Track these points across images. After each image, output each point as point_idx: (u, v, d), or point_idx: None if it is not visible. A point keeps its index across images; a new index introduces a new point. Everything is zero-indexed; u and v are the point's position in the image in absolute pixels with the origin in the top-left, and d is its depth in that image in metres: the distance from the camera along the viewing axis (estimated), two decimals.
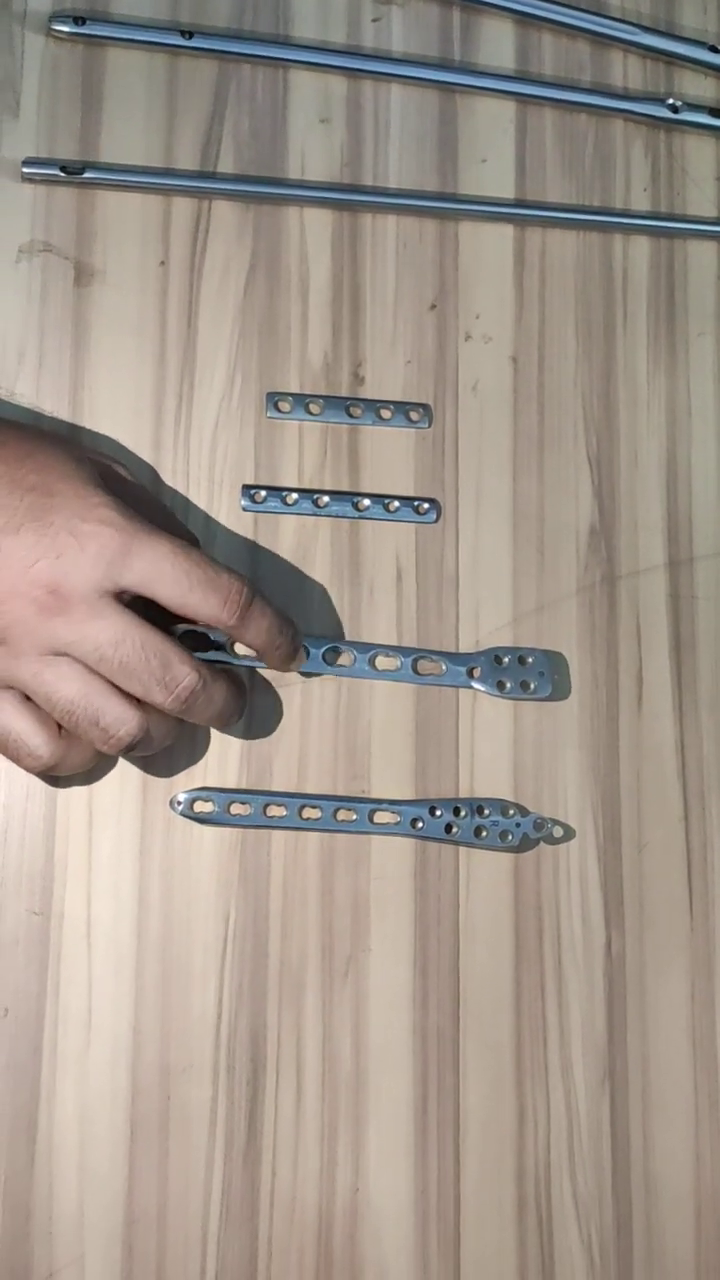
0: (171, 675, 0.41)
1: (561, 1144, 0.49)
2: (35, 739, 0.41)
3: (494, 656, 0.51)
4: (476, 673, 0.51)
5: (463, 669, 0.51)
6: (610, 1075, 0.50)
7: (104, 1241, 0.46)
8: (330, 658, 0.50)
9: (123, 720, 0.41)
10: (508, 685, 0.51)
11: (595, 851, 0.51)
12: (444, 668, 0.50)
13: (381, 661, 0.50)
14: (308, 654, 0.48)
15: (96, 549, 0.40)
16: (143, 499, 0.45)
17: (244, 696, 0.46)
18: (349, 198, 0.53)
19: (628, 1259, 0.49)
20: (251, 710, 0.49)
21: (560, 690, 0.52)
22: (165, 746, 0.44)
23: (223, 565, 0.43)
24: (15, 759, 0.42)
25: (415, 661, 0.51)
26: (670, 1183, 0.49)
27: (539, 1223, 0.49)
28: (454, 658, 0.51)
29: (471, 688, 0.51)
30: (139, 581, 0.41)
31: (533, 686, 0.51)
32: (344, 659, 0.50)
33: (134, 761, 0.48)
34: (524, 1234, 0.48)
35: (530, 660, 0.51)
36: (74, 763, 0.43)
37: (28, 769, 0.43)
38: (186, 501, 0.50)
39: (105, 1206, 0.46)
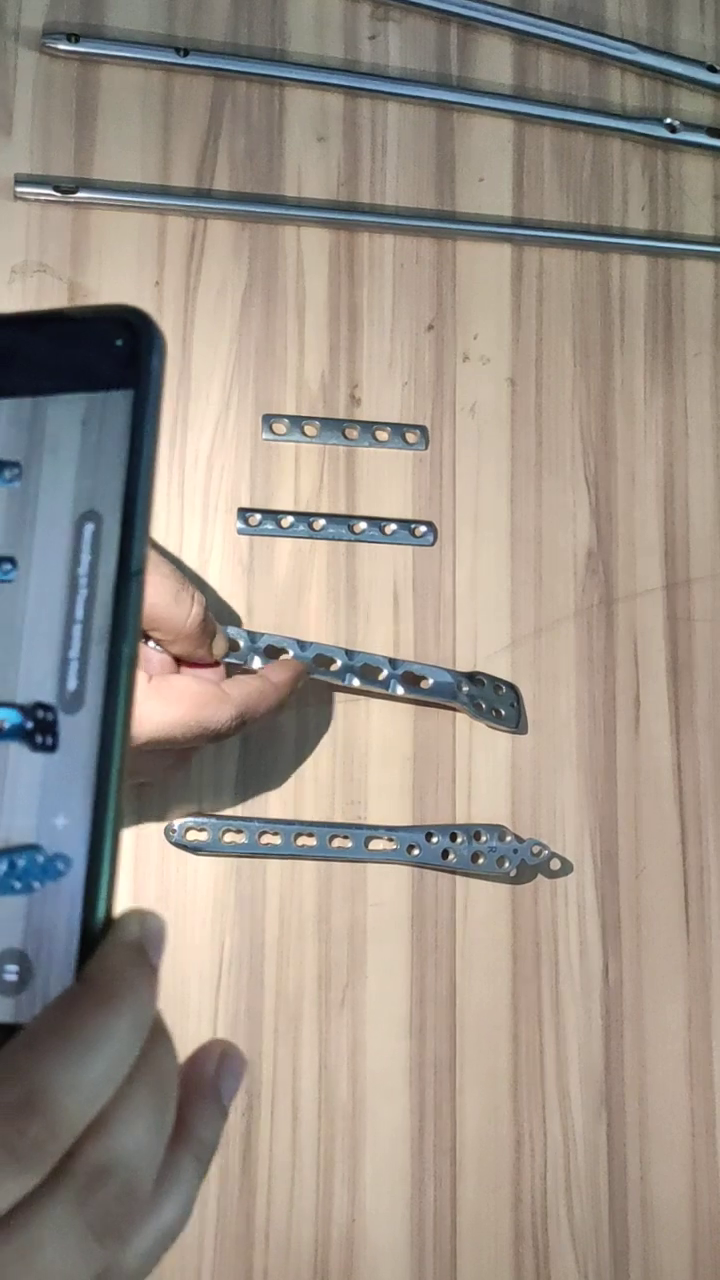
0: (211, 733, 0.42)
1: (558, 1172, 0.49)
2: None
3: (478, 680, 0.50)
4: (465, 689, 0.50)
5: (453, 683, 0.50)
6: (607, 1103, 0.49)
7: None
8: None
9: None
10: (483, 707, 0.50)
11: (593, 877, 0.51)
12: (432, 681, 0.50)
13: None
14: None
15: None
16: None
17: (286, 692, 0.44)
18: (346, 217, 0.53)
19: None
20: (246, 736, 0.49)
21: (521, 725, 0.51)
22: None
23: (216, 705, 0.42)
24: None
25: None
26: (667, 1211, 0.49)
27: (535, 1252, 0.48)
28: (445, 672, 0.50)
29: (456, 706, 0.50)
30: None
31: (502, 713, 0.50)
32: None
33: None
34: (520, 1264, 0.48)
35: (503, 690, 0.50)
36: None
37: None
38: (181, 524, 0.50)
39: None
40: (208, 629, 0.44)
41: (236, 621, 0.50)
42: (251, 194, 0.52)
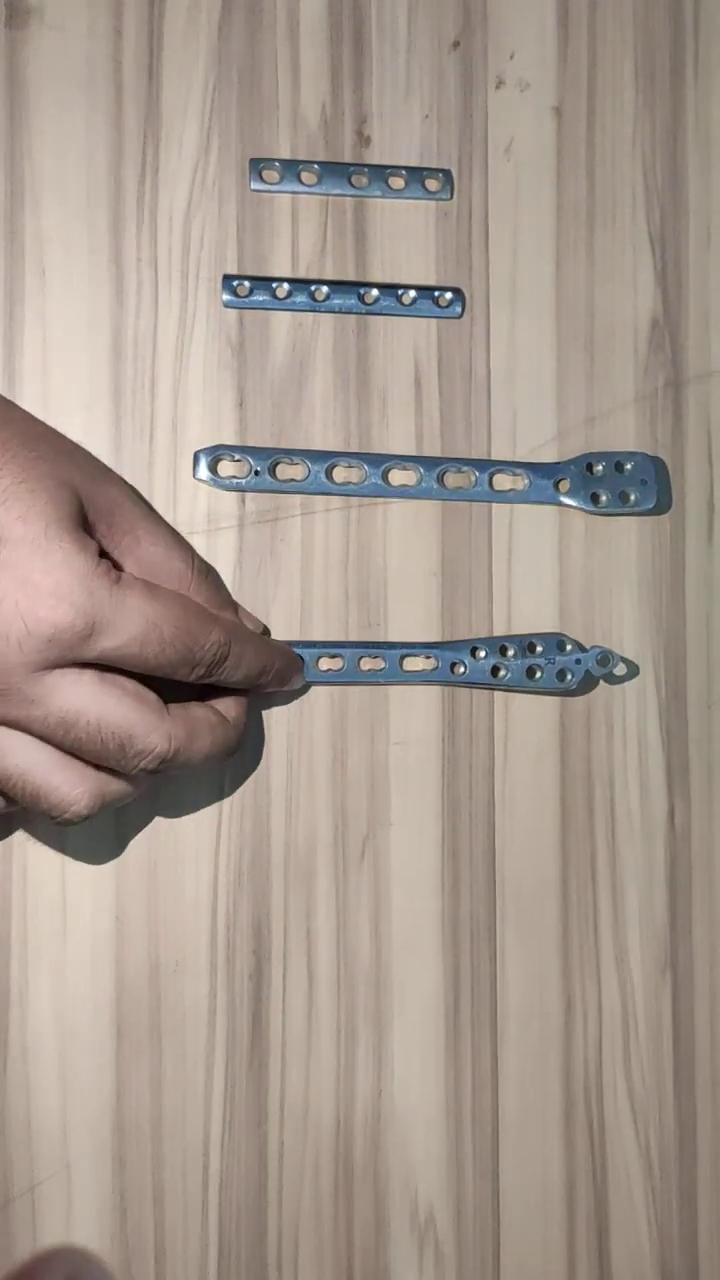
0: (135, 751, 0.35)
1: (615, 1040, 0.43)
2: (65, 790, 0.35)
3: (585, 465, 0.43)
4: (565, 485, 0.43)
5: (549, 482, 0.43)
6: (672, 965, 0.43)
7: (91, 1152, 0.41)
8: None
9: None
10: (603, 498, 0.43)
11: (656, 706, 0.44)
12: (526, 481, 0.42)
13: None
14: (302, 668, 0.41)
15: (50, 632, 0.32)
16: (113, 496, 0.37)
17: (240, 729, 0.38)
18: None
19: (691, 1166, 0.43)
20: (241, 559, 0.42)
21: (664, 501, 0.44)
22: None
23: (205, 618, 0.36)
24: (47, 812, 0.35)
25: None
26: None
27: (589, 1127, 0.43)
28: (538, 469, 0.43)
29: (560, 503, 0.43)
30: (100, 659, 0.34)
31: (633, 498, 0.43)
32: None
33: None
34: (572, 1140, 0.43)
35: (629, 466, 0.43)
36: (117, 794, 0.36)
37: (65, 823, 0.35)
38: (155, 297, 0.42)
39: (91, 1115, 0.41)
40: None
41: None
42: None
